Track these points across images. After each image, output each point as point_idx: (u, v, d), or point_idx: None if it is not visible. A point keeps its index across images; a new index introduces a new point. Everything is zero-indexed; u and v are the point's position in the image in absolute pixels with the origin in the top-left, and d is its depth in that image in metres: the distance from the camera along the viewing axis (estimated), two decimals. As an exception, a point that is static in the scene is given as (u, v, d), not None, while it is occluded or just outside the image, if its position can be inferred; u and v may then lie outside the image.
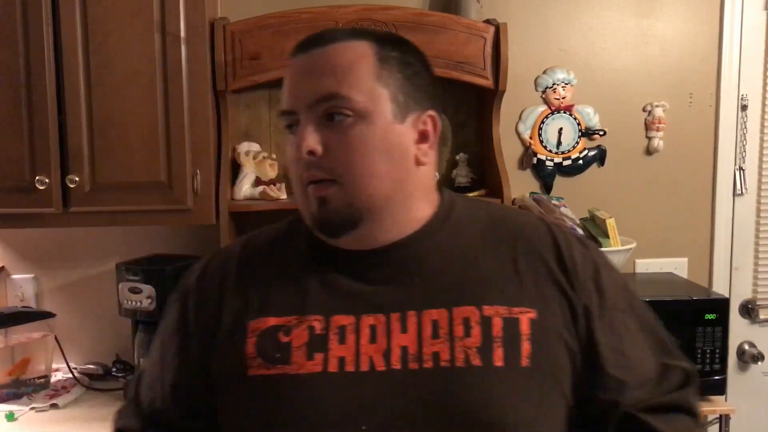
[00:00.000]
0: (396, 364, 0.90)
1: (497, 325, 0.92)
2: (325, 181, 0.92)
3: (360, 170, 0.92)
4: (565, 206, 2.10)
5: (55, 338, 2.04)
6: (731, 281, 2.32)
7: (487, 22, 2.04)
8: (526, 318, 0.93)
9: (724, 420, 1.96)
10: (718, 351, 1.88)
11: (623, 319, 0.99)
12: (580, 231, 1.98)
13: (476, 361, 0.90)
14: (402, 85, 0.95)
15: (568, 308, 0.96)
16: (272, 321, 0.95)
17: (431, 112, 0.99)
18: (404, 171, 0.96)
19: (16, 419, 1.80)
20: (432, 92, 1.01)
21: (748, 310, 2.33)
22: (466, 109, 2.19)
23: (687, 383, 1.01)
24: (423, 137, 0.98)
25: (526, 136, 2.23)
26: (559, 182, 2.26)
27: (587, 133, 2.24)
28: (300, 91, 0.93)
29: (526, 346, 0.92)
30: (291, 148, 0.94)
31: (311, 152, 0.91)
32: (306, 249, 1.01)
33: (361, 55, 0.93)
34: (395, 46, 0.97)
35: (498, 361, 0.90)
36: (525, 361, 0.91)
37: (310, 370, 0.91)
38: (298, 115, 0.93)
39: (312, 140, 0.91)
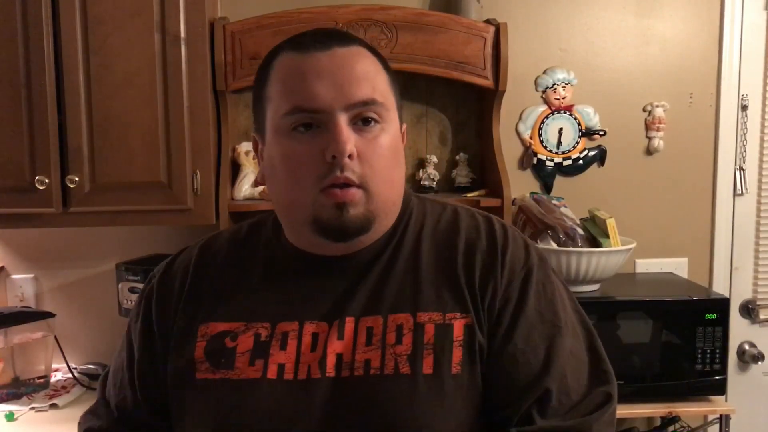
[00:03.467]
0: (330, 372, 0.90)
1: (429, 332, 0.91)
2: (350, 185, 0.89)
3: (382, 177, 0.92)
4: (565, 206, 2.10)
5: (55, 338, 2.04)
6: (731, 281, 2.32)
7: (487, 22, 2.04)
8: (460, 324, 0.92)
9: (724, 420, 1.96)
10: (718, 351, 1.88)
11: (547, 333, 0.94)
12: (581, 231, 1.98)
13: (405, 369, 0.89)
14: (398, 95, 0.98)
15: (489, 313, 0.93)
16: (221, 326, 0.96)
17: (404, 124, 1.02)
18: (403, 179, 0.98)
19: (15, 419, 1.80)
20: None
21: (749, 310, 2.33)
22: (466, 109, 2.19)
23: (603, 405, 0.92)
24: None
25: (526, 136, 2.23)
26: (559, 182, 2.26)
27: (587, 133, 2.24)
28: (331, 91, 0.89)
29: (457, 353, 0.90)
30: (305, 147, 0.90)
31: (350, 155, 0.88)
32: (266, 253, 1.01)
33: (375, 63, 0.94)
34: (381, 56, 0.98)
35: (427, 368, 0.89)
36: (455, 368, 0.90)
37: (249, 376, 0.92)
38: (330, 115, 0.89)
39: (352, 143, 0.88)
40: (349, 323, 0.92)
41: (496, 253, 0.96)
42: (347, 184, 0.89)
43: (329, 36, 0.94)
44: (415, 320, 0.92)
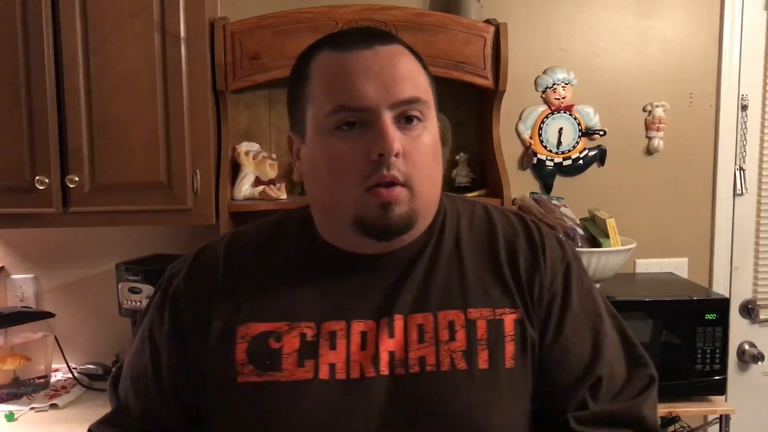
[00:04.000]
0: (384, 370, 0.91)
1: (481, 327, 0.93)
2: (396, 184, 0.89)
3: (425, 175, 0.92)
4: (565, 206, 2.10)
5: (55, 338, 2.04)
6: (731, 281, 2.32)
7: (487, 22, 2.04)
8: (510, 319, 0.95)
9: (724, 420, 1.96)
10: (718, 351, 1.88)
11: (591, 324, 0.99)
12: (581, 231, 1.98)
13: (461, 365, 0.91)
14: (435, 95, 0.98)
15: (538, 307, 0.97)
16: (262, 327, 0.94)
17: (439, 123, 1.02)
18: (441, 177, 0.98)
19: (15, 419, 1.80)
20: None
21: (749, 310, 2.33)
22: (466, 109, 2.19)
23: (647, 388, 0.99)
24: None
25: (526, 136, 2.23)
26: (559, 182, 2.26)
27: (587, 133, 2.24)
28: (376, 89, 0.88)
29: (510, 348, 0.93)
30: (349, 145, 0.89)
31: (397, 153, 0.88)
32: (298, 251, 0.99)
33: (415, 62, 0.94)
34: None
35: (483, 363, 0.92)
36: (509, 363, 0.93)
37: (300, 377, 0.91)
38: (375, 113, 0.88)
39: (399, 141, 0.88)
40: (399, 321, 0.93)
41: (537, 248, 1.00)
42: (392, 183, 0.89)
43: (370, 34, 0.94)
44: (466, 316, 0.94)
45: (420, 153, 0.91)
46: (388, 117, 0.88)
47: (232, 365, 0.92)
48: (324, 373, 0.91)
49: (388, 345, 0.92)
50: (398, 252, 0.96)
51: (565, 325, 0.97)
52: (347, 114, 0.89)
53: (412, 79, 0.91)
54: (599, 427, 0.94)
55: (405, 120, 0.90)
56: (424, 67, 0.96)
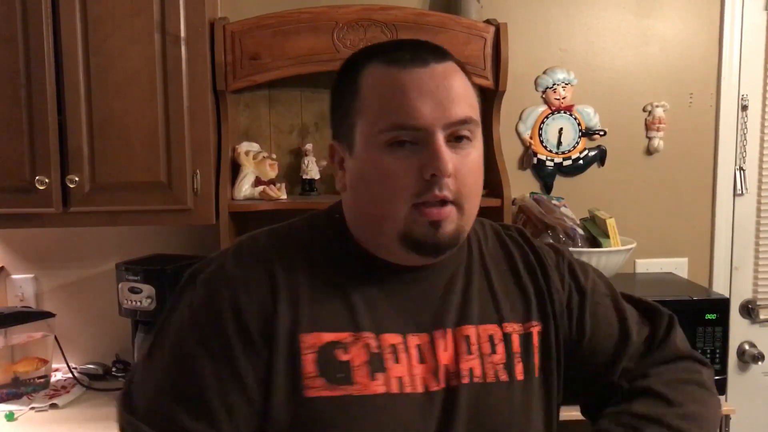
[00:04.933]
0: (442, 383, 0.93)
1: (515, 341, 0.98)
2: (447, 203, 0.90)
3: (473, 193, 0.93)
4: (565, 206, 2.10)
5: (55, 338, 2.04)
6: (731, 281, 2.32)
7: (487, 22, 2.04)
8: (535, 332, 1.00)
9: (724, 420, 1.96)
10: (718, 351, 1.88)
11: (607, 302, 1.07)
12: (581, 231, 1.98)
13: (503, 377, 0.96)
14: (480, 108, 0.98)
15: (562, 314, 1.03)
16: (327, 336, 0.91)
17: None
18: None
19: (15, 419, 1.80)
20: None
21: (749, 310, 2.33)
22: (466, 109, 2.18)
23: (671, 326, 1.09)
24: None
25: (526, 136, 2.23)
26: (559, 182, 2.26)
27: (587, 133, 2.24)
28: (432, 109, 0.88)
29: (536, 359, 0.99)
30: (402, 163, 0.88)
31: (449, 174, 0.88)
32: (337, 258, 0.96)
33: (466, 79, 0.94)
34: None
35: (519, 375, 0.97)
36: (537, 373, 0.99)
37: (374, 391, 0.90)
38: (429, 133, 0.88)
39: (452, 162, 0.88)
40: (449, 334, 0.95)
41: (541, 257, 1.06)
42: (444, 201, 0.89)
43: (424, 50, 0.93)
44: (503, 330, 0.98)
45: (469, 171, 0.91)
46: (441, 137, 0.88)
47: (299, 378, 0.88)
48: (395, 387, 0.91)
49: (442, 357, 0.94)
50: (438, 265, 0.97)
51: (586, 317, 1.04)
52: (401, 132, 0.89)
53: (466, 99, 0.91)
54: (654, 368, 1.03)
55: (456, 139, 0.90)
56: (471, 82, 0.96)
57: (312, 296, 0.93)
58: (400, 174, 0.89)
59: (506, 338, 0.97)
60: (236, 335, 0.89)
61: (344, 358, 0.90)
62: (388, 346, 0.92)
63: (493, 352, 0.96)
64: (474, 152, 0.92)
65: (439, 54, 0.93)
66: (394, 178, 0.89)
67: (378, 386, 0.90)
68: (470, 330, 0.96)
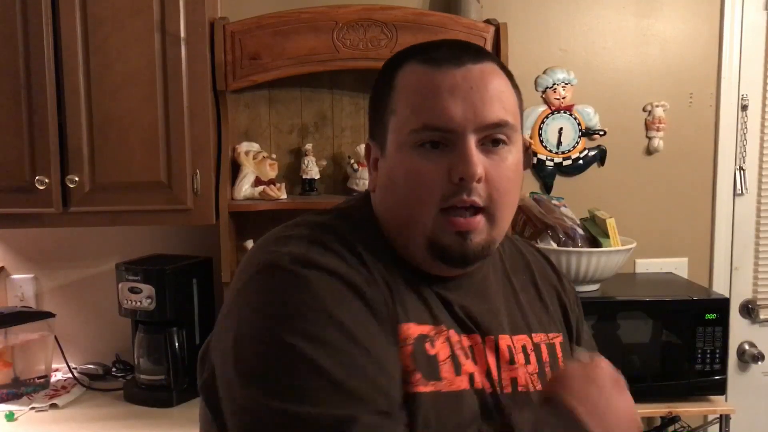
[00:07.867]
0: (489, 387, 0.91)
1: (544, 351, 0.99)
2: (476, 209, 0.86)
3: (506, 201, 0.89)
4: (565, 206, 2.10)
5: (55, 338, 2.04)
6: (731, 281, 2.32)
7: (487, 22, 2.04)
8: (557, 341, 1.01)
9: (724, 420, 1.96)
10: (718, 351, 1.88)
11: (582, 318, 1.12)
12: (581, 231, 1.98)
13: (538, 386, 0.95)
14: (522, 111, 0.94)
15: (572, 326, 1.07)
16: (417, 329, 0.87)
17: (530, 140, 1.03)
18: (518, 201, 0.95)
19: (15, 419, 1.80)
20: None
21: (749, 310, 2.33)
22: (466, 109, 2.18)
23: None
24: None
25: (526, 136, 2.23)
26: (559, 182, 2.26)
27: (587, 133, 2.24)
28: (464, 111, 0.85)
29: (560, 367, 1.00)
30: (431, 165, 0.86)
31: (479, 179, 0.85)
32: (379, 255, 0.90)
33: (505, 80, 0.91)
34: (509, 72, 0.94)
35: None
36: None
37: (460, 387, 0.87)
38: (460, 135, 0.85)
39: (481, 166, 0.85)
40: (489, 341, 0.94)
41: (556, 269, 1.09)
42: (473, 207, 0.86)
43: (461, 50, 0.90)
44: (532, 341, 0.98)
45: (503, 177, 0.87)
46: (472, 140, 0.85)
47: (398, 371, 0.83)
48: (470, 383, 0.88)
49: (491, 361, 0.92)
50: (473, 275, 0.95)
51: (583, 331, 1.09)
52: (431, 134, 0.86)
53: (501, 102, 0.88)
54: None
55: (491, 143, 0.87)
56: (514, 85, 0.93)
57: (395, 283, 0.87)
58: (430, 176, 0.86)
59: (536, 348, 0.97)
60: (375, 321, 0.83)
61: (432, 352, 0.86)
62: (456, 341, 0.89)
63: (527, 362, 0.95)
64: (510, 157, 0.88)
65: (478, 54, 0.90)
66: (422, 179, 0.86)
67: (461, 381, 0.87)
68: (507, 340, 0.94)
